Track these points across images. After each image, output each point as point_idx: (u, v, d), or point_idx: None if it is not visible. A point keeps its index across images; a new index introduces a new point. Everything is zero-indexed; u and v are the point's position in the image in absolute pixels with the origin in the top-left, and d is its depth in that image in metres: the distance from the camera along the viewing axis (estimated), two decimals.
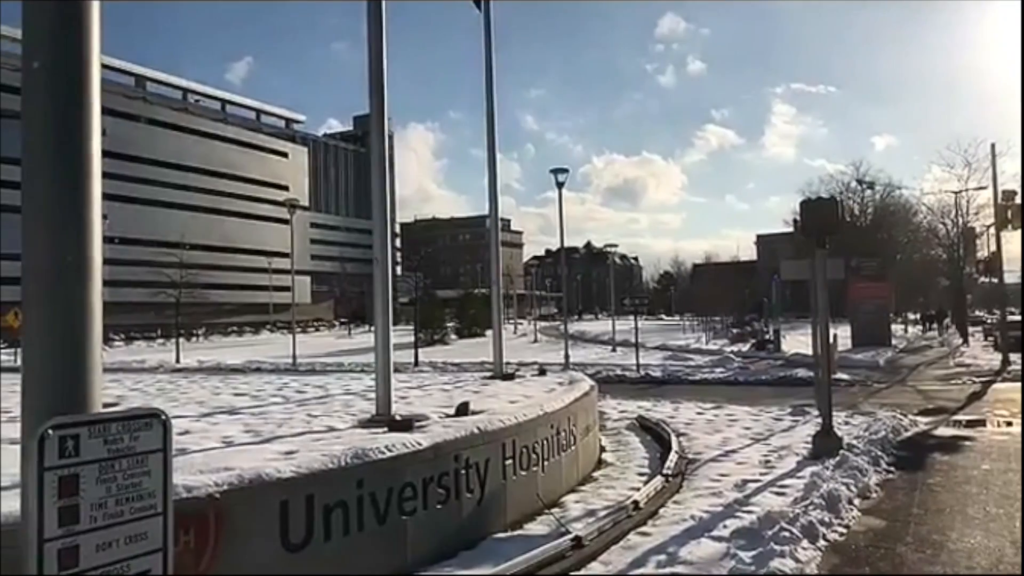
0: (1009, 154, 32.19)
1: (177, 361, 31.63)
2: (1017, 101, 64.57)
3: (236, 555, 4.47)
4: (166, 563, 2.07)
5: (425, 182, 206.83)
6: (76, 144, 2.07)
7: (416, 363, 26.36)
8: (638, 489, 7.96)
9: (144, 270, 51.40)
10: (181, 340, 37.89)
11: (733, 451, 10.35)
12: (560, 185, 26.76)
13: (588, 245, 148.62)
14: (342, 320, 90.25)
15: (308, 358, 31.90)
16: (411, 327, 31.62)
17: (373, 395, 8.12)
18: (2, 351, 31.65)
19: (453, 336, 49.60)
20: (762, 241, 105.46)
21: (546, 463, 7.74)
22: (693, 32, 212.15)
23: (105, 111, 2.34)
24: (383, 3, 7.82)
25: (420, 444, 6.03)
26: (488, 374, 12.69)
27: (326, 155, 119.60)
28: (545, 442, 7.78)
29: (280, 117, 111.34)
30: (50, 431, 1.85)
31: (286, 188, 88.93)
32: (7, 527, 3.58)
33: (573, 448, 8.65)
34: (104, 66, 2.33)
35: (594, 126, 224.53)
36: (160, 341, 57.40)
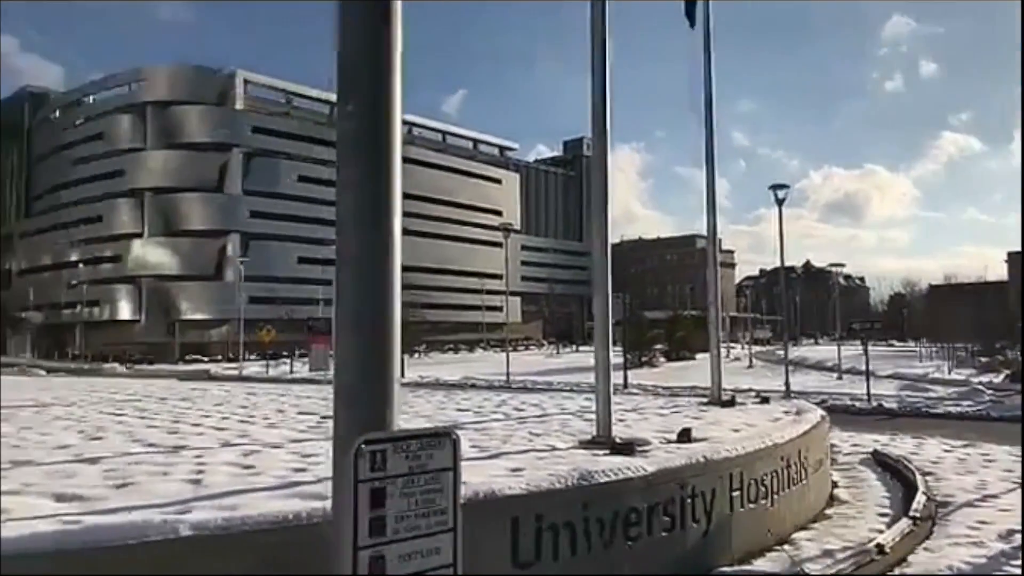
0: None
1: (401, 376, 33.71)
2: None
3: (469, 569, 4.64)
4: None
5: (631, 202, 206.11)
6: (383, 179, 2.32)
7: (625, 385, 26.24)
8: (879, 531, 7.31)
9: None
10: (404, 356, 40.56)
11: (993, 496, 9.17)
12: (780, 202, 25.70)
13: (807, 264, 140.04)
14: (550, 339, 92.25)
15: (520, 376, 32.93)
16: (619, 348, 31.65)
17: (588, 415, 8.18)
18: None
19: (661, 359, 48.75)
20: (1015, 259, 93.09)
21: (775, 497, 7.33)
22: (925, 32, 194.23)
23: None
24: (606, 33, 7.91)
25: (645, 469, 5.96)
26: (704, 400, 12.29)
27: (536, 180, 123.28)
28: (774, 475, 7.38)
29: (494, 145, 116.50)
30: (363, 446, 2.07)
31: (500, 213, 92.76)
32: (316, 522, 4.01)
33: (804, 483, 8.12)
34: None
35: (811, 138, 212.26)
36: None
